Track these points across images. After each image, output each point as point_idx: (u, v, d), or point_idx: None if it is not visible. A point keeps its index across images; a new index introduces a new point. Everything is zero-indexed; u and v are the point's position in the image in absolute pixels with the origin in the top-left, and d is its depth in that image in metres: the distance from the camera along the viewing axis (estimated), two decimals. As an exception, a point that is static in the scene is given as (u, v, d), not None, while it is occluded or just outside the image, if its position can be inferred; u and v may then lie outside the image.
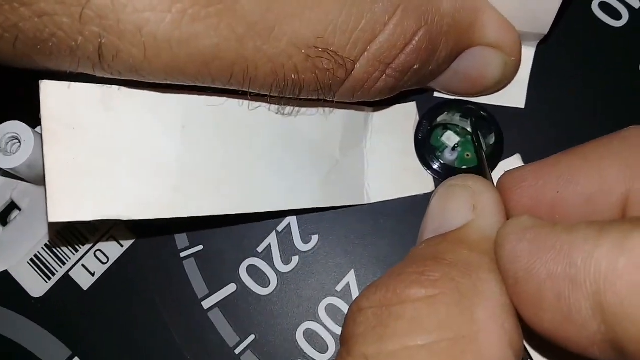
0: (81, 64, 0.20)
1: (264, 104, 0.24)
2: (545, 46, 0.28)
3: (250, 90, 0.22)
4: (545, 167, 0.21)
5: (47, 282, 0.27)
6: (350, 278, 0.27)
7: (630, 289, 0.15)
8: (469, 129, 0.29)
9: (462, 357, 0.17)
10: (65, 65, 0.20)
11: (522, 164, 0.27)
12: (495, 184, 0.23)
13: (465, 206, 0.21)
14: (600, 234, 0.15)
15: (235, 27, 0.19)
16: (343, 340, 0.19)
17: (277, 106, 0.24)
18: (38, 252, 0.28)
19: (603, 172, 0.19)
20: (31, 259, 0.28)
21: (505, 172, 0.23)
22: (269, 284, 0.27)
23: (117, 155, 0.22)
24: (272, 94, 0.22)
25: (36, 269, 0.27)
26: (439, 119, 0.28)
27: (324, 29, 0.21)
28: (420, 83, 0.25)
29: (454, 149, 0.28)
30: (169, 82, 0.21)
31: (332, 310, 0.26)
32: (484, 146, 0.28)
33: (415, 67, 0.23)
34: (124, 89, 0.22)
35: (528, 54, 0.28)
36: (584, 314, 0.16)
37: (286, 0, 0.20)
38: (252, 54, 0.20)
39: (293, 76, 0.21)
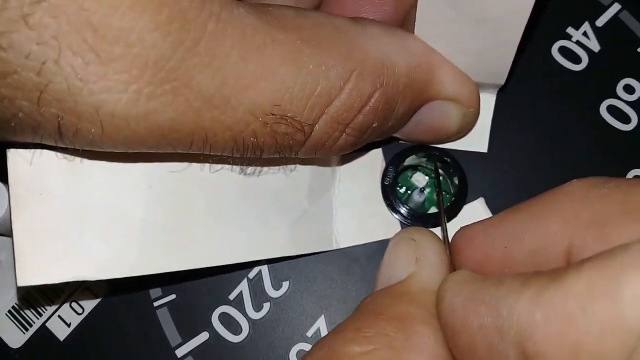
0: (44, 139, 0.20)
1: (227, 165, 0.25)
2: (507, 91, 0.28)
3: (211, 154, 0.22)
4: (493, 225, 0.22)
5: (24, 333, 0.28)
6: (321, 323, 0.27)
7: (545, 339, 0.15)
8: (440, 171, 0.29)
9: None
10: (29, 139, 0.21)
11: (485, 207, 0.28)
12: (447, 233, 0.24)
13: (408, 259, 0.22)
14: (522, 287, 0.16)
15: (191, 102, 0.20)
16: None
17: (239, 167, 0.25)
18: (15, 303, 0.28)
19: (546, 228, 0.20)
20: (9, 311, 0.28)
21: (459, 229, 0.24)
22: (241, 331, 0.27)
23: (84, 219, 0.23)
24: (233, 156, 0.23)
25: (14, 320, 0.28)
26: (407, 161, 0.29)
27: (280, 97, 0.21)
28: (381, 136, 0.26)
29: (422, 190, 0.29)
30: (130, 151, 0.21)
31: (303, 356, 0.27)
32: (449, 190, 0.29)
33: (374, 125, 0.24)
34: (86, 158, 0.23)
35: (489, 101, 0.29)
36: None
37: (241, 73, 0.21)
38: (210, 124, 0.21)
39: (252, 139, 0.22)
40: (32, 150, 0.22)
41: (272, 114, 0.21)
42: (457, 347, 0.18)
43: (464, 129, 0.28)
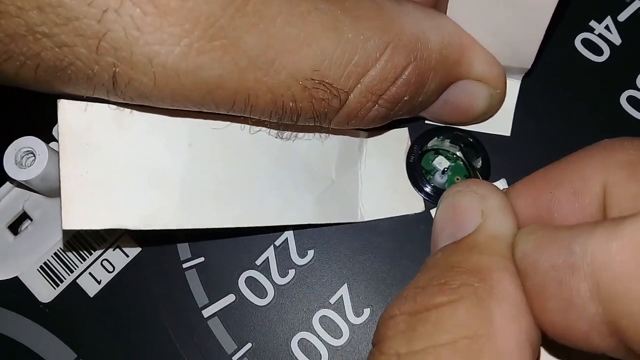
0: (96, 90, 0.21)
1: (264, 129, 0.26)
2: (530, 79, 0.30)
3: (251, 117, 0.23)
4: (539, 175, 0.23)
5: (55, 289, 0.29)
6: (344, 291, 0.28)
7: (622, 268, 0.16)
8: (459, 154, 0.30)
9: (480, 354, 0.18)
10: (82, 91, 0.22)
11: (507, 187, 0.29)
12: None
13: (474, 212, 0.22)
14: (594, 227, 0.18)
15: (237, 60, 0.21)
16: (375, 342, 0.21)
17: (276, 131, 0.26)
18: (47, 260, 0.29)
19: (583, 170, 0.22)
20: (41, 267, 0.29)
21: (507, 188, 0.25)
22: (266, 295, 0.28)
23: (127, 170, 0.24)
24: (271, 120, 0.24)
25: (45, 276, 0.29)
26: (430, 144, 0.30)
27: (319, 63, 0.22)
28: (411, 112, 0.27)
29: (444, 172, 0.30)
30: (175, 108, 0.23)
31: (325, 321, 0.28)
32: (472, 172, 0.30)
33: (405, 98, 0.25)
34: (135, 110, 0.24)
35: (514, 86, 0.30)
36: (582, 296, 0.17)
37: (285, 37, 0.22)
38: (253, 84, 0.22)
39: (291, 105, 0.23)
40: (82, 102, 0.23)
41: (312, 79, 0.22)
42: (528, 292, 0.19)
43: (490, 111, 0.29)
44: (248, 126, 0.25)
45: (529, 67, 0.28)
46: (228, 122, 0.25)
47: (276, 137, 0.26)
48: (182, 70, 0.21)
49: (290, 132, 0.26)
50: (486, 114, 0.29)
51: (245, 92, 0.22)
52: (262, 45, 0.22)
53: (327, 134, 0.28)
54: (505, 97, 0.29)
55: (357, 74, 0.23)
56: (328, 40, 0.23)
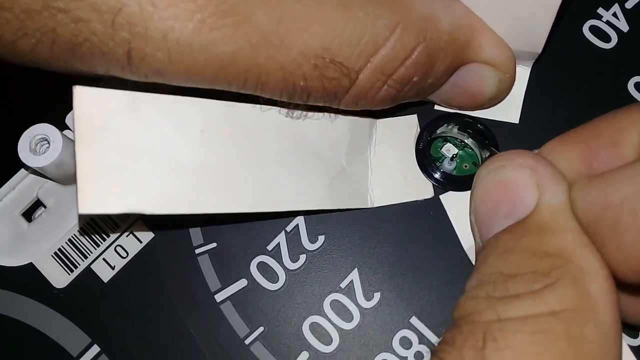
0: (111, 67, 0.22)
1: (275, 108, 0.26)
2: (538, 66, 0.30)
3: (262, 95, 0.24)
4: (575, 132, 0.24)
5: (69, 275, 0.29)
6: (354, 276, 0.28)
7: None
8: (467, 142, 0.31)
9: (585, 323, 0.19)
10: (97, 68, 0.22)
11: None
12: None
13: (528, 187, 0.22)
14: None
15: (250, 37, 0.22)
16: (459, 316, 0.21)
17: (286, 110, 0.26)
18: (62, 246, 0.29)
19: (620, 122, 0.23)
20: (55, 253, 0.29)
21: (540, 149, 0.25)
22: (278, 280, 0.28)
23: (142, 155, 0.24)
24: (281, 100, 0.24)
25: (60, 262, 0.29)
26: (438, 131, 0.30)
27: (330, 41, 0.23)
28: (420, 95, 0.27)
29: (452, 159, 0.30)
30: (189, 86, 0.23)
31: (336, 305, 0.28)
32: (479, 159, 0.30)
33: (415, 79, 0.25)
34: (148, 95, 0.24)
35: (524, 73, 0.30)
36: None
37: (296, 14, 0.22)
38: (265, 61, 0.22)
39: (302, 83, 0.23)
40: (97, 88, 0.23)
41: (322, 57, 0.23)
42: (601, 237, 0.20)
43: (499, 96, 0.29)
44: (260, 112, 0.26)
45: (540, 51, 0.28)
46: (239, 105, 0.26)
47: (286, 116, 0.27)
48: (195, 46, 0.21)
49: (300, 112, 0.27)
50: (495, 99, 0.29)
51: (257, 69, 0.22)
52: (274, 22, 0.22)
53: (336, 115, 0.28)
54: (514, 82, 0.29)
55: (367, 53, 0.23)
56: (338, 19, 0.23)
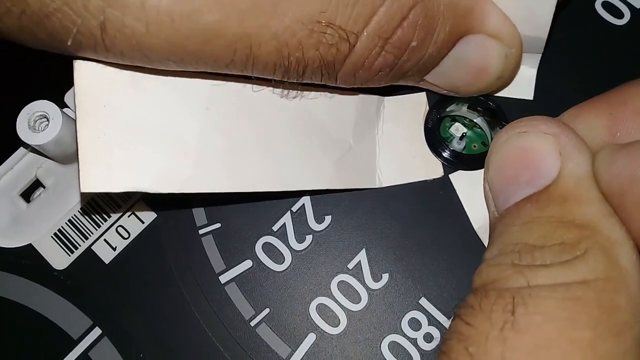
0: (84, 44, 0.20)
1: (268, 88, 0.25)
2: (551, 42, 0.29)
3: (254, 74, 0.22)
4: (592, 101, 0.24)
5: (69, 256, 0.28)
6: (362, 257, 0.28)
7: None
8: (477, 121, 0.30)
9: (616, 293, 0.19)
10: (66, 44, 0.20)
11: None
12: None
13: (551, 154, 0.22)
14: None
15: (239, 3, 0.20)
16: (483, 284, 0.21)
17: (280, 89, 0.25)
18: (62, 227, 0.29)
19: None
20: (55, 234, 0.29)
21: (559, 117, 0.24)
22: (284, 261, 0.28)
23: (144, 132, 0.23)
24: (275, 77, 0.23)
25: (59, 242, 0.29)
26: (447, 109, 0.30)
27: (327, 4, 0.21)
28: (421, 70, 0.26)
29: (461, 138, 0.30)
30: (170, 68, 0.21)
31: (344, 286, 0.27)
32: (490, 137, 0.29)
33: (413, 44, 0.24)
34: (151, 73, 0.23)
35: (537, 46, 0.29)
36: None
37: None
38: (256, 30, 0.20)
39: (297, 54, 0.22)
40: (98, 63, 0.23)
41: (319, 22, 0.21)
42: (627, 209, 0.20)
43: (505, 75, 0.27)
44: (267, 88, 0.25)
45: (545, 36, 0.27)
46: (242, 84, 0.25)
47: (281, 97, 0.26)
48: (177, 14, 0.19)
49: (296, 91, 0.26)
50: (501, 78, 0.27)
51: (247, 40, 0.21)
52: None
53: (333, 94, 0.27)
54: (520, 60, 0.28)
55: (365, 14, 0.22)
56: None
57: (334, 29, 0.22)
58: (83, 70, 0.23)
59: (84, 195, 0.28)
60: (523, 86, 0.29)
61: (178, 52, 0.21)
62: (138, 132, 0.23)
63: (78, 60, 0.22)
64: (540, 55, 0.29)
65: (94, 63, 0.23)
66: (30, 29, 0.20)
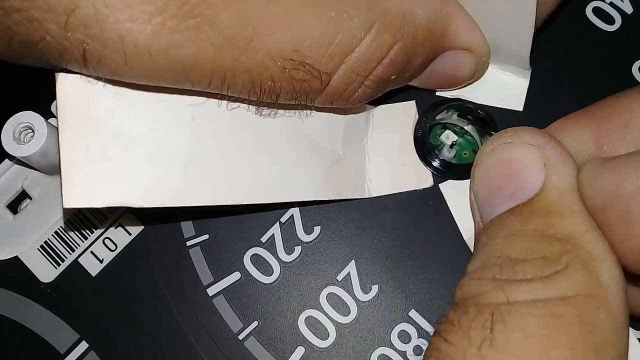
0: (69, 65, 0.21)
1: (243, 105, 0.25)
2: (542, 49, 0.29)
3: (230, 94, 0.23)
4: (582, 113, 0.23)
5: (56, 268, 0.28)
6: (351, 268, 0.28)
7: None
8: (467, 128, 0.30)
9: (597, 310, 0.19)
10: (56, 64, 0.21)
11: None
12: None
13: (535, 166, 0.21)
14: None
15: (213, 39, 0.21)
16: (463, 298, 0.20)
17: (255, 107, 0.25)
18: (48, 239, 0.28)
19: (631, 105, 0.22)
20: (41, 246, 0.28)
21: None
22: (272, 273, 0.28)
23: (129, 145, 0.23)
24: (250, 99, 0.23)
25: (46, 255, 0.28)
26: (437, 118, 0.29)
27: (300, 43, 0.22)
28: (398, 85, 0.26)
29: (451, 146, 0.29)
30: (152, 85, 0.22)
31: (333, 298, 0.27)
32: (480, 145, 0.29)
33: (392, 77, 0.24)
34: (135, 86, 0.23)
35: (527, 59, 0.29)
36: None
37: (264, 15, 0.21)
38: (230, 64, 0.21)
39: (270, 84, 0.22)
40: (81, 75, 0.22)
41: (291, 60, 0.22)
42: (610, 226, 0.20)
43: (477, 77, 0.29)
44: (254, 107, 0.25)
45: (528, 53, 0.27)
46: (229, 102, 0.24)
47: (255, 114, 0.25)
48: (154, 49, 0.20)
49: (270, 109, 0.25)
50: (471, 80, 0.29)
51: (222, 71, 0.21)
52: (239, 24, 0.21)
53: (309, 110, 0.27)
54: (489, 62, 0.28)
55: (340, 54, 0.22)
56: (309, 19, 0.22)
57: (306, 67, 0.22)
58: (65, 82, 0.22)
59: (67, 210, 0.28)
60: (513, 97, 0.29)
61: (155, 79, 0.21)
62: (122, 145, 0.23)
63: (60, 74, 0.22)
64: (530, 69, 0.29)
65: (77, 75, 0.22)
66: (21, 53, 0.21)
